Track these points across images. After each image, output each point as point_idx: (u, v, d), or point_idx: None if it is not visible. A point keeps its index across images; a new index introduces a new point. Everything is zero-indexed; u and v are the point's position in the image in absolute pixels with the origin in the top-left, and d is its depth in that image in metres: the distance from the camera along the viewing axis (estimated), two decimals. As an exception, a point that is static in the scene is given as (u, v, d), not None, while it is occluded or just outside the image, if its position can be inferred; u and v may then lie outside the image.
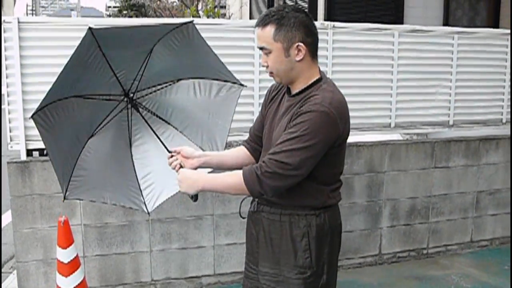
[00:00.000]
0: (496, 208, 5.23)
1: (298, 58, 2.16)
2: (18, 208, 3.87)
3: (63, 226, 3.31)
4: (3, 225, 5.61)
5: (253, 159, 2.51)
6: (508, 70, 5.06)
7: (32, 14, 39.58)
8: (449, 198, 5.01)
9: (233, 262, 4.36)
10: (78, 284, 3.40)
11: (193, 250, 4.27)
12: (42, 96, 3.78)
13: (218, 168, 2.57)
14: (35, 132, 3.80)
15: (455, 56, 4.84)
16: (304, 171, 2.09)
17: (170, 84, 2.85)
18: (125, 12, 28.41)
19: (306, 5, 8.32)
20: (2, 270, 4.71)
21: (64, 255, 3.34)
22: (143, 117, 2.69)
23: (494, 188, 5.18)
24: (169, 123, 2.89)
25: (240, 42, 4.18)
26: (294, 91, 2.25)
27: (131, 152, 2.87)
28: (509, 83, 5.07)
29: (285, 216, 2.24)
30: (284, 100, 2.31)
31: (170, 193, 3.01)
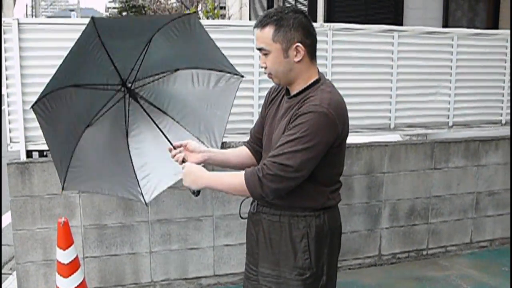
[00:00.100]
0: (496, 209, 5.23)
1: (296, 59, 2.17)
2: (18, 209, 3.87)
3: (62, 227, 3.30)
4: (2, 226, 5.61)
5: (255, 160, 2.52)
6: (507, 71, 5.06)
7: (32, 15, 39.58)
8: (449, 199, 5.01)
9: (233, 263, 4.37)
10: (78, 285, 3.40)
11: (193, 251, 4.27)
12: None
13: (220, 166, 2.58)
14: (35, 133, 3.82)
15: (454, 57, 4.85)
16: (305, 173, 2.10)
17: (168, 74, 2.82)
18: (124, 13, 28.43)
19: (306, 7, 8.32)
20: (2, 271, 4.70)
21: (64, 256, 3.34)
22: (142, 107, 2.67)
23: (494, 189, 5.19)
24: (166, 113, 2.86)
25: (240, 43, 4.18)
26: (293, 92, 2.25)
27: (127, 142, 2.84)
28: (509, 84, 5.08)
29: (284, 217, 2.24)
30: (283, 101, 2.31)
31: (168, 183, 3.00)
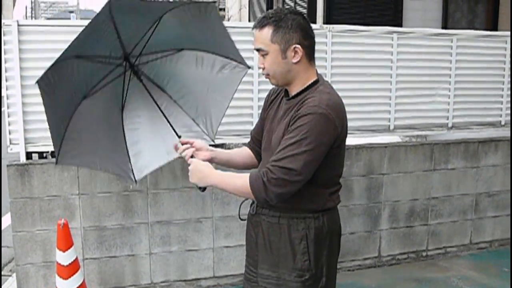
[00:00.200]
0: (495, 210, 5.24)
1: (294, 60, 2.18)
2: (18, 211, 3.88)
3: (62, 229, 3.30)
4: (2, 227, 5.61)
5: (256, 161, 2.54)
6: (507, 72, 5.07)
7: (31, 16, 39.59)
8: (448, 200, 5.02)
9: (232, 265, 4.37)
10: (78, 287, 3.39)
11: (193, 252, 4.27)
12: (41, 100, 3.81)
13: (224, 165, 2.59)
14: (34, 134, 3.83)
15: (454, 59, 4.85)
16: (307, 175, 2.10)
17: (172, 53, 2.78)
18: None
19: (305, 8, 8.33)
20: (2, 273, 4.70)
21: (64, 258, 3.34)
22: (142, 83, 2.64)
23: (493, 190, 5.19)
24: (164, 91, 2.83)
25: (239, 44, 4.13)
26: (292, 93, 2.26)
27: (122, 117, 2.80)
28: (508, 86, 5.08)
29: (283, 219, 2.25)
30: (283, 103, 2.32)
31: (160, 163, 2.98)
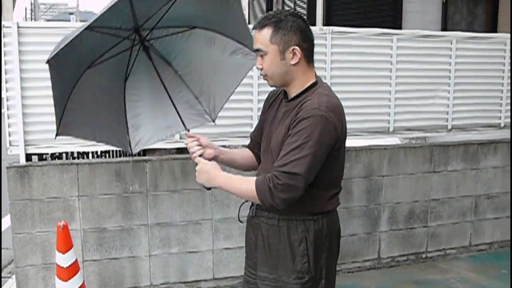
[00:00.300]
0: (495, 212, 5.24)
1: (293, 62, 2.18)
2: (17, 213, 3.88)
3: (62, 231, 3.30)
4: (2, 229, 5.60)
5: (257, 163, 2.54)
6: (506, 74, 5.07)
7: (31, 18, 39.60)
8: (448, 202, 5.02)
9: (232, 267, 4.37)
10: (77, 289, 3.40)
11: (192, 254, 4.27)
12: (41, 101, 3.84)
13: (227, 165, 2.59)
14: (34, 136, 3.84)
15: (453, 61, 4.86)
16: (311, 178, 2.11)
17: (184, 30, 2.73)
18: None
19: (305, 10, 8.34)
20: (1, 275, 4.70)
21: (63, 260, 3.33)
22: (151, 60, 2.62)
23: (493, 192, 5.19)
24: (170, 64, 2.79)
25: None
26: (291, 95, 2.26)
27: (125, 89, 2.77)
28: (507, 88, 5.09)
29: (283, 221, 2.25)
30: (282, 105, 2.32)
31: (158, 137, 2.96)
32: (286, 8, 9.49)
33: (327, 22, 7.54)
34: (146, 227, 4.13)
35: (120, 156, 4.76)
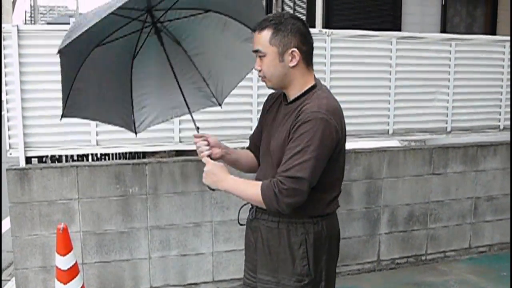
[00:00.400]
0: (494, 214, 5.24)
1: (291, 64, 2.19)
2: (17, 215, 3.88)
3: (62, 233, 3.30)
4: (2, 231, 5.60)
5: (258, 165, 2.54)
6: (505, 76, 5.08)
7: (31, 20, 39.60)
8: (447, 204, 5.02)
9: (232, 269, 4.37)
10: (77, 291, 3.40)
11: (192, 257, 4.27)
12: (41, 104, 3.84)
13: (232, 165, 2.59)
14: (34, 139, 3.84)
15: (452, 63, 4.87)
16: (315, 182, 2.12)
17: (198, 13, 2.71)
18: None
19: (305, 12, 8.35)
20: (1, 277, 4.70)
21: (63, 262, 3.33)
22: (161, 41, 2.59)
23: (492, 194, 5.20)
24: (179, 44, 2.78)
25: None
26: (290, 98, 2.27)
27: (132, 68, 2.75)
28: (507, 90, 5.09)
29: (283, 224, 2.25)
30: (281, 108, 2.33)
31: (163, 118, 2.95)
32: (286, 10, 9.50)
33: (327, 25, 7.55)
34: (146, 229, 4.13)
35: (119, 158, 4.76)
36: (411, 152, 4.83)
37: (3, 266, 5.01)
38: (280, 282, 2.26)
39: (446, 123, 4.94)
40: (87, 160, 4.36)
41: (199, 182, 4.13)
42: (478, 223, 5.19)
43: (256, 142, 2.53)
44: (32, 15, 38.09)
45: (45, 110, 3.85)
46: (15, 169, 3.85)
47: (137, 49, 2.72)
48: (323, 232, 2.26)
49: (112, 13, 2.22)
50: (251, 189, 2.19)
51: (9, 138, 3.84)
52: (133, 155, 5.07)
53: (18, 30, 3.74)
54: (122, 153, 4.80)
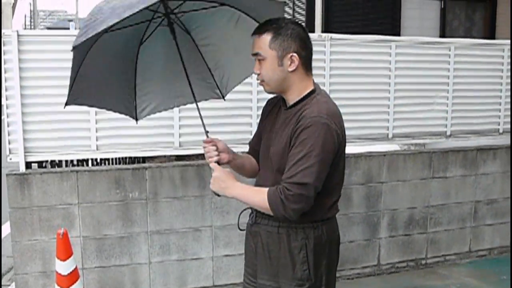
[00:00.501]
0: (494, 218, 5.24)
1: (290, 69, 2.20)
2: (17, 220, 3.88)
3: (62, 238, 3.30)
4: (2, 236, 5.60)
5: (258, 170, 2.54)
6: (504, 80, 5.09)
7: (31, 25, 39.62)
8: (447, 208, 5.02)
9: (232, 274, 4.36)
10: (77, 296, 3.40)
11: (192, 261, 4.27)
12: (41, 109, 3.85)
13: (237, 170, 2.58)
14: (34, 144, 3.85)
15: (452, 67, 4.88)
16: (320, 187, 2.13)
17: (212, 6, 2.68)
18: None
19: (304, 17, 8.36)
20: (1, 282, 4.69)
21: (63, 267, 3.34)
22: (173, 31, 2.55)
23: (492, 198, 5.20)
24: (188, 33, 2.76)
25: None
26: (289, 103, 2.27)
27: (138, 53, 2.73)
28: (506, 94, 5.10)
29: (282, 229, 2.25)
30: (281, 113, 2.33)
31: (165, 107, 2.93)
32: (285, 15, 9.51)
33: (326, 29, 7.56)
34: (146, 234, 4.13)
35: (119, 163, 4.76)
36: (411, 156, 4.84)
37: (3, 271, 5.00)
38: (281, 287, 2.26)
39: (446, 127, 4.95)
40: (87, 165, 4.36)
41: (199, 186, 4.16)
42: (478, 226, 5.19)
43: (255, 147, 2.53)
44: (32, 20, 38.10)
45: (45, 115, 3.86)
46: (15, 174, 3.85)
47: (145, 36, 2.70)
48: (323, 236, 2.26)
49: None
50: (258, 196, 2.19)
51: (9, 143, 3.85)
52: (133, 160, 5.07)
53: (18, 35, 3.75)
54: (122, 158, 4.79)
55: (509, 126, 5.14)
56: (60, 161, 4.17)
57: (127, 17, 2.10)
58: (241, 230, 2.53)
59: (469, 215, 5.14)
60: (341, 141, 2.17)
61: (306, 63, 2.24)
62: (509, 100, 5.10)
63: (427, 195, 4.92)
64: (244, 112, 4.25)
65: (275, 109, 2.41)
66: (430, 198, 4.94)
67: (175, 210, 4.17)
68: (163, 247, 4.18)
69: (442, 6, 8.06)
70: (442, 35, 7.87)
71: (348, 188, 4.58)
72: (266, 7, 2.57)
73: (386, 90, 4.69)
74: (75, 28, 37.46)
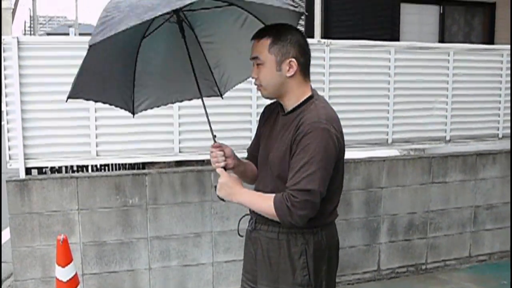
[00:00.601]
0: (494, 223, 5.24)
1: (289, 74, 2.21)
2: (17, 227, 3.88)
3: (62, 245, 3.30)
4: (2, 242, 5.59)
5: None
6: (504, 85, 5.10)
7: (30, 31, 39.69)
8: (447, 213, 5.02)
9: (232, 279, 4.36)
10: (77, 303, 3.39)
11: (192, 267, 4.27)
12: (41, 115, 3.85)
13: (240, 176, 2.57)
14: (34, 150, 3.85)
15: (451, 72, 4.89)
16: (325, 192, 2.13)
17: (220, 5, 2.65)
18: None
19: (303, 22, 8.37)
20: (1, 289, 4.69)
21: (63, 274, 3.33)
22: (183, 35, 2.53)
23: (492, 202, 5.20)
24: (192, 29, 2.74)
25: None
26: (287, 109, 2.28)
27: (139, 47, 2.71)
28: (505, 98, 5.11)
29: (282, 234, 2.25)
30: (279, 118, 2.33)
31: (163, 102, 2.91)
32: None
33: (325, 35, 7.58)
34: (146, 240, 4.13)
35: (119, 169, 4.76)
36: (411, 161, 4.84)
37: (2, 277, 4.99)
38: (281, 293, 2.26)
39: (445, 132, 4.95)
40: (87, 171, 4.36)
41: (199, 192, 4.16)
42: (478, 231, 5.19)
43: (254, 153, 2.53)
44: (32, 26, 38.17)
45: (45, 121, 3.86)
46: (15, 180, 3.85)
47: (149, 30, 2.68)
48: (323, 242, 2.26)
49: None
50: (265, 203, 2.19)
51: (9, 149, 3.85)
52: (132, 165, 5.07)
53: (18, 41, 3.76)
54: (122, 164, 4.79)
55: (508, 131, 5.15)
56: (60, 167, 4.18)
57: (148, 20, 2.08)
58: (241, 236, 2.53)
59: (469, 220, 5.14)
60: (341, 145, 2.18)
61: (304, 69, 2.25)
62: (508, 105, 5.11)
63: (427, 200, 4.92)
64: (243, 118, 4.25)
65: (273, 115, 2.41)
66: (430, 203, 4.94)
67: (175, 216, 4.17)
68: (163, 253, 4.18)
69: (441, 11, 8.08)
70: (441, 40, 7.89)
71: (348, 193, 4.58)
72: (279, 15, 2.51)
73: (386, 95, 4.69)
74: (75, 34, 37.50)
